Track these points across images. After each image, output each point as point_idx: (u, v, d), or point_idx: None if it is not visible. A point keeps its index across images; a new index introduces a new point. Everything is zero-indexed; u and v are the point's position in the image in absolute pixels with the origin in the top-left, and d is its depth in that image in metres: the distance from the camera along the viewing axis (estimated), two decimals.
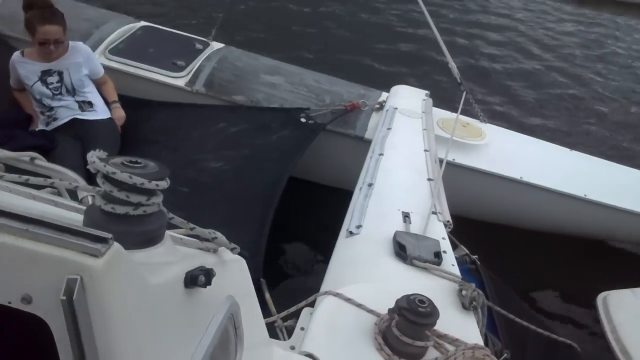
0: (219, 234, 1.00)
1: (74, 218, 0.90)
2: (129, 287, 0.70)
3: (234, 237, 2.47)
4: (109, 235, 0.66)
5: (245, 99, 3.56)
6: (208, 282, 0.89)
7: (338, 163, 3.49)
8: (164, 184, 0.81)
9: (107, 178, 0.77)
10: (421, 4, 3.68)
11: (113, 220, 0.79)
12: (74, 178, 1.21)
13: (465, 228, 2.93)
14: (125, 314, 0.69)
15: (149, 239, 0.83)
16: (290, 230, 3.01)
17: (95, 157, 0.78)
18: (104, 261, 0.64)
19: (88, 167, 0.80)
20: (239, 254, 1.05)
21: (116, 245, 0.66)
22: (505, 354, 2.06)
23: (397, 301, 1.51)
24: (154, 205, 0.82)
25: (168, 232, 0.91)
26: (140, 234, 0.81)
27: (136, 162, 0.81)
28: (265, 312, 1.86)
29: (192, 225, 0.95)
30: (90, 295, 0.64)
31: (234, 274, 1.11)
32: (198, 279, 0.86)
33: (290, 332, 1.76)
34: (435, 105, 3.76)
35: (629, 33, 8.07)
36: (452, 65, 3.68)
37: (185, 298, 0.87)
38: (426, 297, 1.51)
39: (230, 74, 3.70)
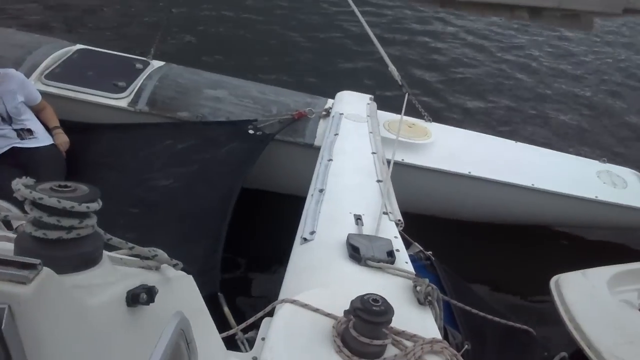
0: (159, 252, 0.99)
1: (6, 248, 0.88)
2: (63, 312, 0.68)
3: (189, 254, 2.45)
4: (37, 261, 0.65)
5: (190, 115, 3.53)
6: (151, 300, 0.88)
7: (290, 171, 3.50)
8: (96, 205, 0.81)
9: (35, 204, 0.76)
10: (357, 12, 3.74)
11: (45, 246, 0.78)
12: (7, 207, 1.17)
13: (419, 225, 2.98)
14: (61, 339, 0.67)
15: (86, 261, 0.82)
16: (246, 241, 2.99)
17: (20, 185, 0.77)
18: (32, 288, 0.62)
19: (14, 195, 0.78)
20: (183, 269, 1.04)
21: (46, 271, 0.65)
22: (466, 345, 2.11)
23: (352, 302, 1.51)
24: (87, 228, 0.81)
25: (107, 253, 0.90)
26: (75, 257, 0.80)
27: (65, 186, 0.81)
28: (226, 326, 1.85)
29: (130, 244, 0.94)
30: (21, 323, 0.62)
31: (180, 290, 1.10)
32: (140, 296, 0.85)
33: (252, 343, 1.75)
34: (382, 108, 3.82)
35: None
36: (392, 68, 3.75)
37: (129, 317, 0.86)
38: (379, 296, 1.52)
39: (172, 91, 3.66)
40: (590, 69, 6.95)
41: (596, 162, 3.96)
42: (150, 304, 0.89)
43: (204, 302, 1.23)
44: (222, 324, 1.85)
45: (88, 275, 0.81)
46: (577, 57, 7.30)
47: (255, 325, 1.79)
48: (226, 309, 1.96)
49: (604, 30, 8.15)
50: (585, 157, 4.16)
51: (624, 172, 3.90)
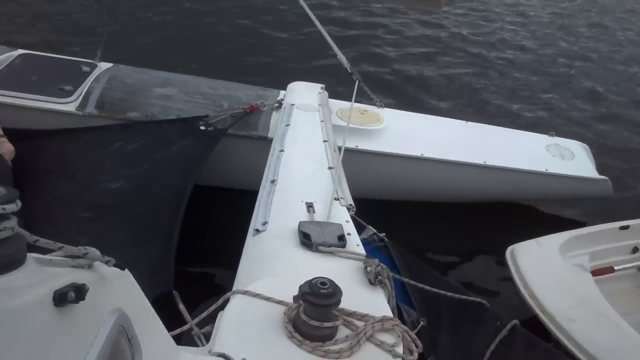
0: (91, 249, 0.99)
1: None
2: None
3: (142, 254, 2.44)
4: None
5: (140, 115, 3.49)
6: (81, 298, 0.88)
7: (246, 165, 3.49)
8: (13, 206, 0.81)
9: None
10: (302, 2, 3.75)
11: None
12: None
13: (376, 210, 3.02)
14: None
15: (7, 264, 0.81)
16: (201, 238, 2.99)
17: None
18: None
19: None
20: (116, 265, 1.04)
21: None
22: (422, 322, 2.16)
23: (300, 287, 1.53)
24: (6, 230, 0.80)
25: (32, 255, 0.89)
26: None
27: None
28: (183, 324, 1.85)
29: (60, 244, 0.94)
30: None
31: (119, 287, 1.10)
32: (67, 295, 0.85)
33: (208, 337, 1.76)
34: (337, 97, 3.85)
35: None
36: (341, 56, 3.78)
37: (59, 317, 0.86)
38: (327, 279, 1.55)
39: (121, 91, 3.61)
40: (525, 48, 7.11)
41: (545, 136, 4.07)
42: (81, 302, 0.89)
43: (146, 299, 1.23)
44: (179, 322, 1.86)
45: (10, 277, 0.81)
46: (516, 41, 7.45)
47: (213, 320, 1.80)
48: (181, 306, 1.96)
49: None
50: (534, 132, 4.27)
51: (571, 144, 4.02)
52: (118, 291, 1.10)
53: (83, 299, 0.89)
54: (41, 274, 0.87)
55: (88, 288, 0.90)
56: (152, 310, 1.28)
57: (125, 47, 5.29)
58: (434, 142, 3.71)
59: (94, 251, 1.00)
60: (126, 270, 1.10)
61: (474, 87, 5.85)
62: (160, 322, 1.33)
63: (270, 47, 6.04)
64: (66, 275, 0.91)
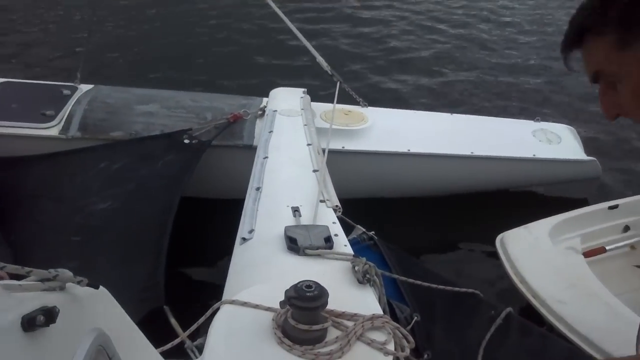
0: (62, 270, 0.99)
1: None
2: None
3: (132, 273, 2.43)
4: None
5: (124, 134, 3.49)
6: (51, 321, 0.88)
7: (233, 174, 3.46)
8: None
9: None
10: (275, 8, 3.76)
11: None
12: None
13: (366, 209, 3.03)
14: None
15: None
16: (191, 251, 2.99)
17: None
18: None
19: None
20: (90, 285, 1.03)
21: None
22: (416, 317, 2.16)
23: (286, 292, 1.53)
24: None
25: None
26: None
27: None
28: (176, 337, 1.84)
29: (28, 269, 0.93)
30: None
31: (95, 306, 1.09)
32: (36, 319, 0.85)
33: (201, 350, 1.75)
34: (320, 100, 3.86)
35: None
36: (320, 59, 3.79)
37: (30, 343, 0.85)
38: (313, 281, 1.54)
39: (103, 112, 3.61)
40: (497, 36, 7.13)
41: (530, 122, 4.08)
42: (52, 325, 0.89)
43: (127, 316, 1.23)
44: (173, 337, 1.86)
45: None
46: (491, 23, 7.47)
47: (206, 332, 1.80)
48: (173, 320, 1.96)
49: None
50: (520, 118, 4.28)
51: (557, 128, 4.03)
52: (95, 310, 1.09)
53: (54, 321, 0.88)
54: (9, 301, 0.87)
55: (59, 310, 0.90)
56: (135, 327, 1.27)
57: (105, 68, 5.29)
58: (420, 137, 3.72)
59: (64, 272, 1.00)
60: (101, 288, 1.10)
61: (455, 79, 5.86)
62: (145, 339, 1.33)
63: (250, 55, 6.04)
64: (36, 300, 0.91)
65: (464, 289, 2.29)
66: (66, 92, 3.79)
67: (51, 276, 0.97)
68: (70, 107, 3.64)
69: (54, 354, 0.92)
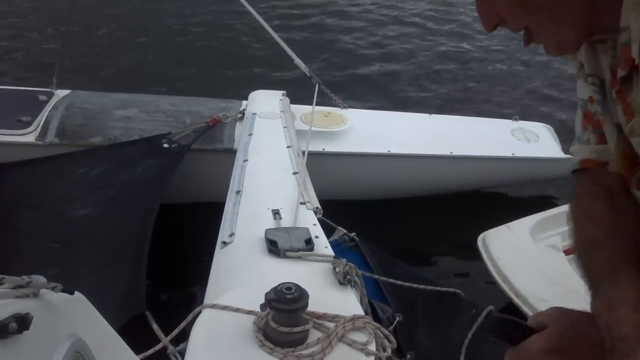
0: (35, 277, 0.97)
1: None
2: None
3: (113, 279, 2.41)
4: None
5: (102, 139, 3.45)
6: (24, 328, 0.87)
7: (214, 178, 3.45)
8: None
9: None
10: (253, 11, 3.76)
11: None
12: None
13: (347, 211, 3.03)
14: None
15: None
16: (173, 256, 2.97)
17: None
18: None
19: None
20: (64, 290, 1.02)
21: None
22: (398, 317, 2.16)
23: (266, 295, 1.53)
24: None
25: None
26: None
27: None
28: (157, 343, 1.83)
29: (0, 275, 0.92)
30: None
31: (71, 312, 1.08)
32: (9, 326, 0.84)
33: (184, 355, 1.74)
34: (300, 102, 3.86)
35: None
36: (299, 61, 3.80)
37: (2, 350, 0.85)
38: (293, 283, 1.54)
39: (81, 117, 3.57)
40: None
41: (509, 121, 4.12)
42: (26, 332, 0.88)
43: (106, 322, 1.21)
44: (155, 343, 1.84)
45: None
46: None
47: (187, 337, 1.79)
48: (155, 326, 1.94)
49: None
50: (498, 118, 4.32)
51: (535, 127, 4.08)
52: (71, 316, 1.08)
53: (27, 328, 0.87)
54: None
55: (32, 317, 0.89)
56: (114, 333, 1.26)
57: (82, 73, 5.23)
58: (399, 138, 3.74)
59: (38, 278, 0.98)
60: (77, 293, 1.09)
61: (434, 79, 5.90)
62: (125, 345, 1.31)
63: (229, 59, 6.02)
64: (8, 307, 0.89)
65: (445, 289, 2.31)
66: (42, 97, 3.74)
67: (24, 283, 0.95)
68: (47, 112, 3.59)
69: None
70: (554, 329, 0.79)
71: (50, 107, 3.64)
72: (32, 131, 3.48)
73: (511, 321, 0.84)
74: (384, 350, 1.61)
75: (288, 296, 1.51)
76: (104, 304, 1.45)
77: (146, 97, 3.88)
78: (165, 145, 3.30)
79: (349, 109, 3.99)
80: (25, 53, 5.99)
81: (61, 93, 3.82)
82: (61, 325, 1.03)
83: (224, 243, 2.15)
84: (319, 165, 3.10)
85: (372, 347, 1.59)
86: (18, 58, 5.87)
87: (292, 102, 3.78)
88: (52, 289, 0.99)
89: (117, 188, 3.00)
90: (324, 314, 1.66)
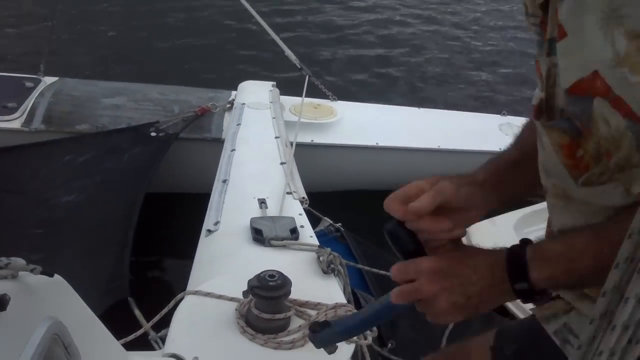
0: (14, 259, 0.97)
1: None
2: None
3: (96, 266, 2.40)
4: None
5: (90, 127, 3.43)
6: (1, 308, 0.87)
7: (201, 168, 3.44)
8: None
9: None
10: (244, 2, 3.74)
11: None
12: None
13: (334, 202, 3.04)
14: None
15: None
16: (157, 244, 2.97)
17: None
18: None
19: None
20: (44, 273, 1.02)
21: None
22: None
23: (249, 282, 1.54)
24: None
25: None
26: None
27: None
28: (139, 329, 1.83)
29: None
30: None
31: (50, 294, 1.08)
32: None
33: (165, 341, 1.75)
34: (290, 94, 3.85)
35: None
36: (289, 53, 3.78)
37: None
38: (276, 271, 1.55)
39: (68, 105, 3.54)
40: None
41: (497, 116, 4.14)
42: (2, 312, 0.88)
43: (86, 305, 1.22)
44: (137, 329, 1.84)
45: None
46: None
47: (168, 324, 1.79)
48: (137, 312, 1.95)
49: None
50: (487, 112, 4.34)
51: (524, 122, 4.09)
52: (50, 299, 1.08)
53: (4, 309, 0.87)
54: None
55: (9, 298, 0.89)
56: (95, 317, 1.26)
57: (70, 60, 5.18)
58: (388, 131, 3.74)
59: (17, 260, 0.98)
60: (57, 276, 1.09)
61: (423, 74, 5.91)
62: (106, 329, 1.31)
63: (219, 49, 5.99)
64: None
65: None
66: (29, 84, 3.70)
67: (2, 264, 0.95)
68: (34, 99, 3.55)
69: (6, 342, 0.91)
70: (447, 256, 0.84)
71: (37, 93, 3.60)
72: (18, 117, 3.44)
73: (406, 233, 0.89)
74: (365, 339, 1.63)
75: (271, 283, 1.52)
76: (87, 289, 1.45)
77: (135, 85, 3.85)
78: (153, 134, 3.29)
79: (338, 101, 3.98)
80: (11, 40, 5.92)
81: (48, 80, 3.78)
82: (40, 307, 1.03)
83: (209, 231, 2.15)
84: (307, 157, 3.11)
85: None
86: (4, 44, 5.80)
87: (282, 93, 3.78)
88: (31, 271, 0.98)
89: (103, 175, 2.98)
90: (307, 301, 1.67)
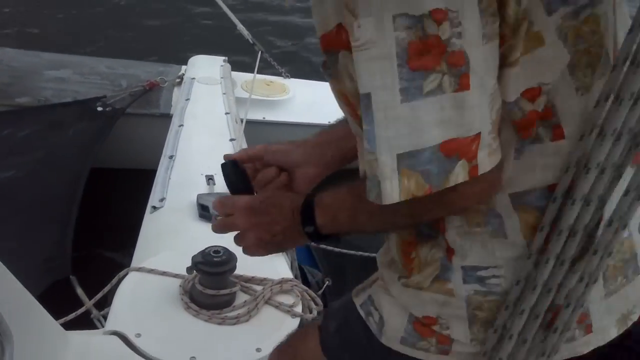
0: None
1: None
2: None
3: (35, 243, 2.33)
4: None
5: (31, 100, 3.29)
6: None
7: (149, 144, 3.36)
8: None
9: None
10: None
11: None
12: None
13: None
14: None
15: None
16: (101, 221, 2.90)
17: None
18: None
19: None
20: None
21: None
22: (327, 282, 2.20)
23: (193, 258, 1.52)
24: None
25: None
26: None
27: None
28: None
29: None
30: None
31: None
32: None
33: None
34: (242, 70, 3.79)
35: None
36: (241, 27, 3.71)
37: None
38: (221, 247, 1.54)
39: (7, 76, 3.40)
40: None
41: None
42: None
43: (20, 284, 1.18)
44: (79, 307, 1.80)
45: None
46: None
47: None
48: (79, 290, 1.90)
49: None
50: None
51: None
52: None
53: None
54: None
55: None
56: (30, 296, 1.23)
57: (12, 30, 4.95)
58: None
59: None
60: None
61: None
62: (42, 308, 1.28)
63: (169, 22, 5.83)
64: None
65: (374, 254, 2.35)
66: None
67: None
68: None
69: None
70: (261, 197, 0.96)
71: None
72: None
73: (237, 172, 1.00)
74: (311, 312, 1.65)
75: (215, 259, 1.51)
76: (25, 268, 1.41)
77: (81, 58, 3.74)
78: (100, 109, 3.19)
79: (291, 79, 3.95)
80: None
81: None
82: None
83: (154, 208, 2.12)
84: (258, 134, 3.07)
85: (299, 309, 1.62)
86: None
87: (234, 69, 3.72)
88: None
89: (46, 151, 2.88)
90: (252, 277, 1.68)
